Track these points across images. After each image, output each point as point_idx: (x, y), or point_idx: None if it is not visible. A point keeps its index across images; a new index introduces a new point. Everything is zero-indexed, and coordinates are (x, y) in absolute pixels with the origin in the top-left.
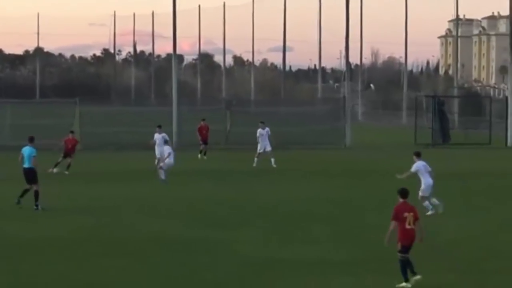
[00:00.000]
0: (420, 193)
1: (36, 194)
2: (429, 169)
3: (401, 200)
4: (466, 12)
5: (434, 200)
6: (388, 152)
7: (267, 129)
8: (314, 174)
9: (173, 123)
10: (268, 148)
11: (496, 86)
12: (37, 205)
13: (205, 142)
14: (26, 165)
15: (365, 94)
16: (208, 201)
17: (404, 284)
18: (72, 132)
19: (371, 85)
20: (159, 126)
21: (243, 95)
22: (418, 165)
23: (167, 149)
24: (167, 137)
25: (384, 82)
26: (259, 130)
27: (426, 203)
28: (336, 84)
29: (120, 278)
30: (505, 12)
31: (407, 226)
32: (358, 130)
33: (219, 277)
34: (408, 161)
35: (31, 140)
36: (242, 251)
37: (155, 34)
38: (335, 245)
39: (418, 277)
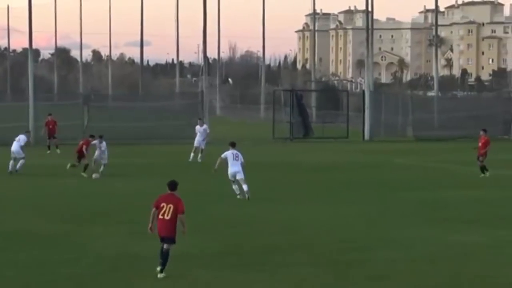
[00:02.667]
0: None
1: None
2: (240, 159)
3: (168, 191)
4: (323, 6)
5: (245, 187)
6: (245, 146)
7: (205, 126)
8: (169, 168)
9: (30, 118)
10: (202, 146)
11: (353, 80)
12: None
13: (52, 136)
14: None
15: (223, 88)
16: (65, 195)
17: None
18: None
19: (229, 79)
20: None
21: (101, 90)
22: (227, 153)
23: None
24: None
25: (242, 76)
26: (197, 127)
27: (235, 187)
28: (194, 79)
29: None
30: (362, 6)
31: (160, 216)
32: (216, 125)
33: (75, 272)
34: (266, 154)
35: None
36: (98, 246)
37: (10, 28)
38: (191, 239)
39: (161, 274)
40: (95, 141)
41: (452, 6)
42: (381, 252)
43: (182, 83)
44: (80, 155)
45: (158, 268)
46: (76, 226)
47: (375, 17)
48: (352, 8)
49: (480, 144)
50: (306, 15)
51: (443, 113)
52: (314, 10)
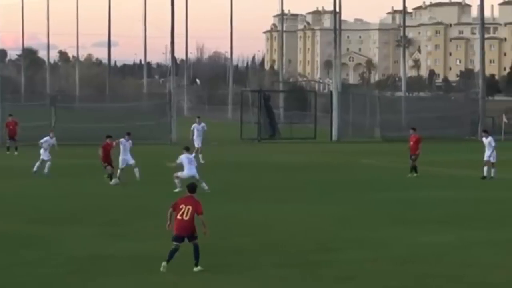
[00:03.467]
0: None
1: None
2: (193, 162)
3: (188, 193)
4: (291, 7)
5: (204, 185)
6: (213, 147)
7: (202, 124)
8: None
9: None
10: (199, 145)
11: (321, 81)
12: None
13: (12, 138)
14: None
15: (191, 89)
16: (34, 197)
17: (164, 263)
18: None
19: (197, 80)
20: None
21: (68, 90)
22: (182, 157)
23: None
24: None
25: (210, 77)
26: (195, 125)
27: (203, 184)
28: (162, 79)
29: None
30: (329, 7)
31: (178, 217)
32: (184, 126)
33: (43, 273)
34: (234, 155)
35: None
36: (69, 247)
37: None
38: (159, 240)
39: (195, 268)
40: (122, 139)
41: (419, 7)
42: (350, 253)
43: (150, 83)
44: (107, 160)
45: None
46: (46, 227)
47: (343, 18)
48: (320, 9)
49: (411, 143)
50: (274, 16)
51: (411, 113)
52: (282, 11)
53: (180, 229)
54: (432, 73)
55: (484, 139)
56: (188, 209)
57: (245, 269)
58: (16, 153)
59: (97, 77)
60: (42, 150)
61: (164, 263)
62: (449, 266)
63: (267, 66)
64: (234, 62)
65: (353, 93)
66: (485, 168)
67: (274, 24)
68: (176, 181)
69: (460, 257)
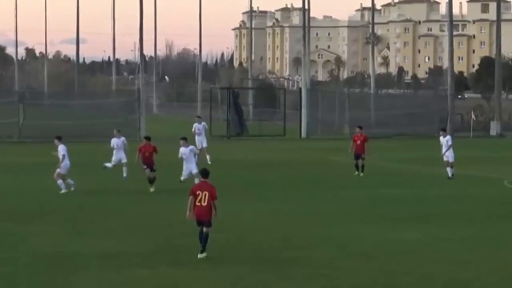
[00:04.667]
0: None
1: None
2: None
3: (202, 179)
4: (259, 4)
5: (69, 180)
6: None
7: (203, 123)
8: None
9: None
10: (204, 144)
11: (290, 78)
12: None
13: None
14: None
15: (160, 86)
16: (1, 194)
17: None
18: None
19: (166, 77)
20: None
21: (37, 87)
22: (63, 147)
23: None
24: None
25: (179, 74)
26: (195, 125)
27: (60, 181)
28: (131, 76)
29: None
30: (298, 4)
31: (197, 203)
32: (153, 123)
33: (8, 270)
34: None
35: None
36: (34, 245)
37: None
38: (128, 237)
39: (201, 255)
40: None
41: (388, 4)
42: (318, 250)
43: (119, 81)
44: (146, 163)
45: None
46: (11, 224)
47: (312, 15)
48: (289, 6)
49: (358, 142)
50: (243, 13)
51: (380, 110)
52: (251, 8)
53: (200, 215)
54: (401, 70)
55: (441, 138)
56: (205, 194)
57: (215, 265)
58: None
59: (65, 74)
60: (114, 152)
61: (200, 255)
62: (418, 263)
63: (236, 63)
64: (203, 59)
65: (322, 90)
66: (448, 169)
67: (243, 21)
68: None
69: (428, 254)
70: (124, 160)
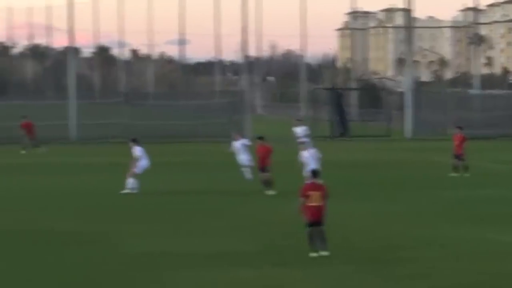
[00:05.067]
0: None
1: None
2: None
3: (312, 179)
4: (363, 4)
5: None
6: (287, 145)
7: (304, 127)
8: (209, 166)
9: (71, 116)
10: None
11: (393, 79)
12: None
13: (32, 137)
14: None
15: (264, 87)
16: (95, 194)
17: (312, 253)
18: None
19: (270, 77)
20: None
21: (141, 88)
22: (139, 149)
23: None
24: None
25: (282, 74)
26: (295, 129)
27: (130, 180)
28: (235, 77)
29: None
30: (402, 4)
31: (310, 204)
32: (257, 123)
33: (106, 271)
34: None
35: None
36: (132, 245)
37: (51, 27)
38: (231, 238)
39: (324, 253)
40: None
41: (493, 4)
42: (421, 251)
43: (223, 81)
44: (261, 165)
45: (320, 250)
46: (112, 225)
47: (415, 15)
48: (392, 6)
49: (457, 142)
50: (346, 14)
51: (484, 111)
52: (354, 8)
53: (314, 215)
54: (505, 70)
55: None
56: (318, 194)
57: (318, 265)
58: (23, 151)
59: (170, 75)
60: (237, 155)
61: (313, 254)
62: None
63: (339, 63)
64: (307, 60)
65: (426, 91)
66: None
67: (346, 22)
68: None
69: None
70: (247, 162)
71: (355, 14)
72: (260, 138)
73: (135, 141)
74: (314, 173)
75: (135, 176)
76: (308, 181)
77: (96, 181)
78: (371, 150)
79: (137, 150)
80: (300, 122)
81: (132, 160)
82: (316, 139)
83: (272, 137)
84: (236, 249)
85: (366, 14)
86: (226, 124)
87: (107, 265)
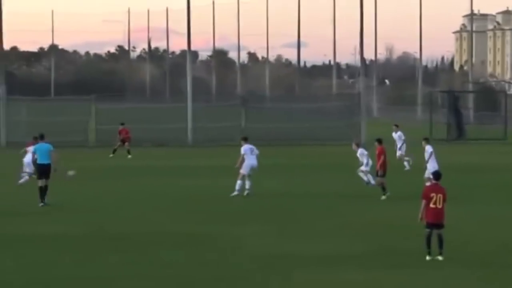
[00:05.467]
0: (242, 171)
1: (46, 189)
2: (256, 152)
3: (433, 181)
4: (480, 7)
5: (249, 183)
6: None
7: (399, 133)
8: (326, 169)
9: (188, 119)
10: (403, 152)
11: (511, 81)
12: (44, 201)
13: (126, 142)
14: (44, 161)
15: (380, 89)
16: (211, 196)
17: (427, 256)
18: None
19: (386, 80)
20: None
21: (258, 91)
22: (245, 148)
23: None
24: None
25: (399, 77)
26: (393, 134)
27: (240, 182)
28: (351, 80)
29: (124, 273)
30: None
31: (432, 205)
32: (374, 126)
33: (227, 272)
34: (423, 156)
35: (42, 137)
36: (249, 246)
37: (169, 30)
38: (343, 240)
39: (439, 257)
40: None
41: None
42: None
43: (339, 84)
44: (381, 168)
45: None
46: (227, 226)
47: None
48: (511, 8)
49: None
50: (463, 16)
51: None
52: (472, 11)
53: (434, 217)
54: None
55: None
56: (440, 197)
57: (433, 268)
58: (129, 156)
59: (286, 78)
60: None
61: (428, 257)
62: None
63: (456, 66)
64: (423, 63)
65: None
66: None
67: (463, 24)
68: None
69: None
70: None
71: (472, 17)
72: (379, 140)
73: (245, 140)
74: (436, 175)
75: (243, 177)
76: (430, 183)
77: (210, 183)
78: (487, 153)
79: (243, 149)
80: (397, 127)
81: (239, 159)
82: (433, 142)
83: (391, 140)
84: (347, 251)
85: (484, 16)
86: (343, 127)
87: (224, 267)
